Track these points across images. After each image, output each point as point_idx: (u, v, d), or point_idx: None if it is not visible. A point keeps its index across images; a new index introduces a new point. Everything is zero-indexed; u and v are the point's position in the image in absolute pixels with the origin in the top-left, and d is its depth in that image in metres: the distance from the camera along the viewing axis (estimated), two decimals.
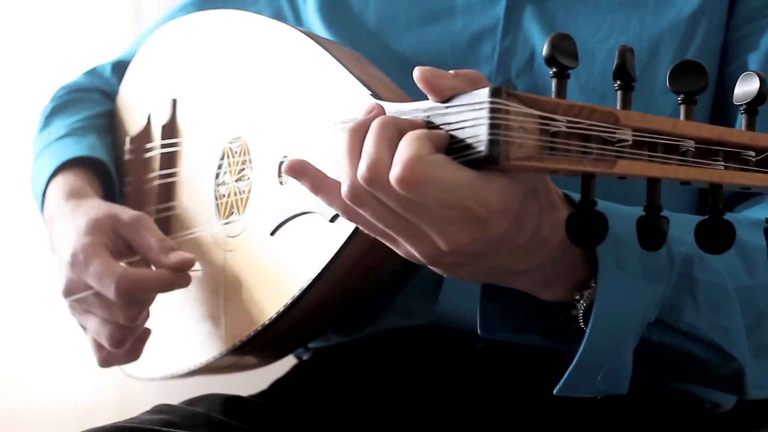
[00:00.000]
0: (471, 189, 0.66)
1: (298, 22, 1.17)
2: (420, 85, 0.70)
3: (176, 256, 0.97)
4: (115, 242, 0.99)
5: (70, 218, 1.02)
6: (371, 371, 1.08)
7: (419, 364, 1.05)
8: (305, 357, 1.17)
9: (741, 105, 0.69)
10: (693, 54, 1.01)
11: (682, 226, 0.76)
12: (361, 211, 0.71)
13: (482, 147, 0.63)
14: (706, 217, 0.68)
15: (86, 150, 1.12)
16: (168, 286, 0.97)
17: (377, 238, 0.74)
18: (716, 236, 0.68)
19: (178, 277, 0.97)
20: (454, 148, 0.67)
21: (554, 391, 0.76)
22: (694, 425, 1.05)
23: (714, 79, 1.02)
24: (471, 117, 0.65)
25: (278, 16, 1.18)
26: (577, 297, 0.77)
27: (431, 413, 1.03)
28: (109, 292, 0.95)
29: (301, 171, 0.75)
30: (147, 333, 1.03)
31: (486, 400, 1.02)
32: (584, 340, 0.74)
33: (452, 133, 0.67)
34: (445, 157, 0.67)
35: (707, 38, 1.01)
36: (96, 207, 1.02)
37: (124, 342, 0.99)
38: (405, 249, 0.72)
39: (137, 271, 0.97)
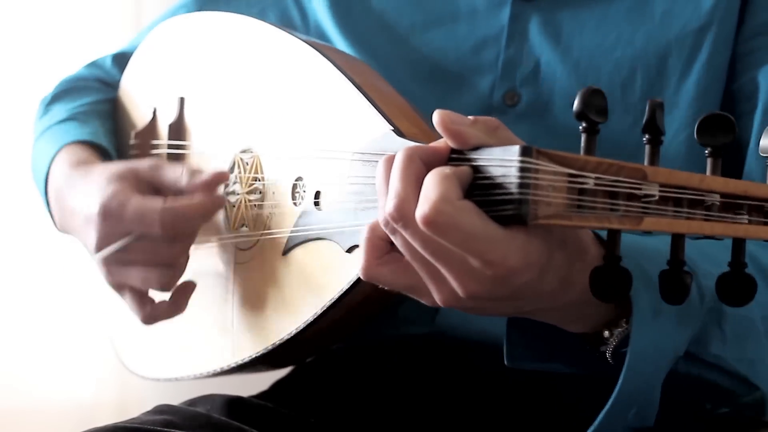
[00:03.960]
0: (493, 243, 0.66)
1: (304, 21, 1.16)
2: (439, 129, 0.69)
3: (208, 174, 0.97)
4: (140, 188, 0.97)
5: (85, 181, 1.01)
6: (373, 374, 1.08)
7: (420, 369, 1.05)
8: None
9: (767, 157, 0.69)
10: (700, 67, 1.00)
11: (707, 257, 0.76)
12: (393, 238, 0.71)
13: (511, 206, 0.63)
14: (728, 270, 0.68)
15: (89, 136, 1.11)
16: (209, 210, 0.96)
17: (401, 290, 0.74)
18: (738, 290, 0.68)
19: (215, 200, 0.96)
20: (481, 201, 0.66)
21: None
22: (693, 425, 1.06)
23: (721, 92, 1.02)
24: (500, 173, 0.64)
25: (283, 15, 1.17)
26: (606, 335, 0.77)
27: (431, 418, 1.04)
28: (155, 229, 0.93)
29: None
30: (191, 286, 1.02)
31: (486, 406, 1.03)
32: (618, 384, 0.74)
33: (481, 183, 0.67)
34: (473, 205, 0.67)
35: (715, 51, 1.01)
36: (110, 165, 1.01)
37: (173, 283, 0.98)
38: (428, 296, 0.72)
39: (177, 202, 0.95)
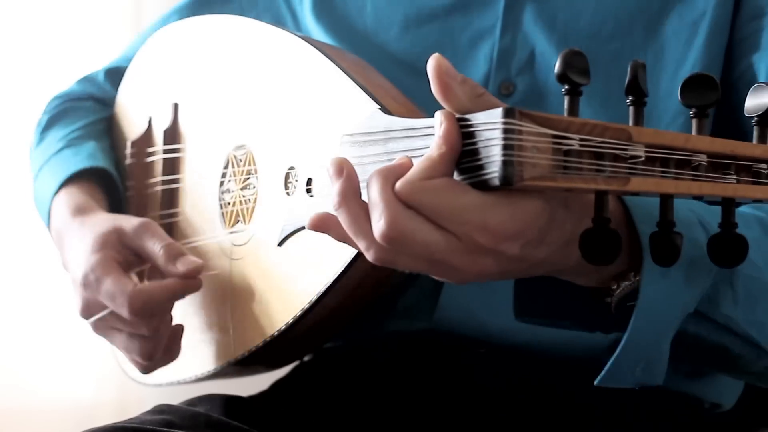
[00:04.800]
0: (468, 214, 0.67)
1: (296, 24, 1.17)
2: (431, 73, 0.69)
3: (184, 264, 0.96)
4: (123, 254, 0.99)
5: (78, 236, 1.02)
6: (372, 373, 1.07)
7: (420, 367, 1.05)
8: (306, 358, 1.17)
9: (753, 117, 0.69)
10: (696, 54, 1.00)
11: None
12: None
13: (496, 168, 0.63)
14: (719, 231, 0.68)
15: (86, 160, 1.11)
16: (180, 295, 0.97)
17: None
18: (729, 250, 0.68)
19: (188, 284, 0.97)
20: (466, 167, 0.66)
21: (595, 382, 0.77)
22: (693, 425, 1.05)
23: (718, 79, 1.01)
24: (484, 137, 0.64)
25: (277, 20, 1.17)
26: (614, 286, 0.77)
27: (431, 417, 1.03)
28: (124, 312, 0.95)
29: (323, 226, 0.76)
30: (180, 329, 1.02)
31: (486, 405, 1.02)
32: (626, 334, 0.74)
33: (464, 149, 0.67)
34: (444, 181, 0.67)
35: (711, 39, 1.00)
36: (101, 221, 1.02)
37: (155, 352, 1.00)
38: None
39: (147, 285, 0.97)
